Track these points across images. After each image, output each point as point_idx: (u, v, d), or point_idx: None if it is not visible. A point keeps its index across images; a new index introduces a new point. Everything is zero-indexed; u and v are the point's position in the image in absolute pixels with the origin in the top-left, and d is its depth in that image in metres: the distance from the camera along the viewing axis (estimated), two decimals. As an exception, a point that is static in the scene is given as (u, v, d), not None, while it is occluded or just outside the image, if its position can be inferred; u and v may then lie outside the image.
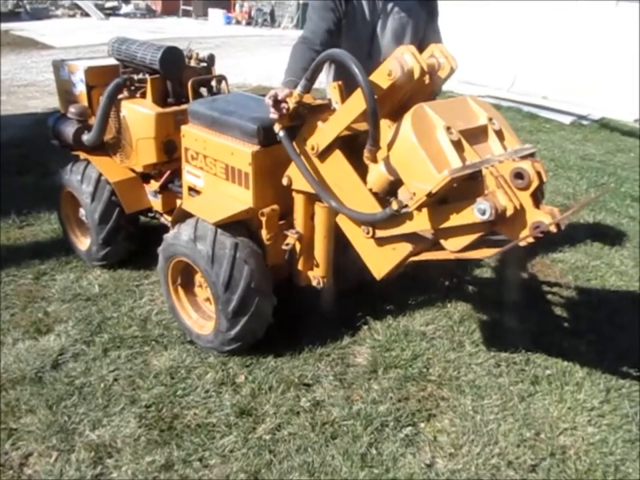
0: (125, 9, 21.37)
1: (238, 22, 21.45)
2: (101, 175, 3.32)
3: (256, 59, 12.59)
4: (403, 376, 2.78)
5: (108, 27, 16.94)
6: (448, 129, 1.96)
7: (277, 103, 2.36)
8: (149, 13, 21.60)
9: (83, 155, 3.43)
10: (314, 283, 2.84)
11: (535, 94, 9.62)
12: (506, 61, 9.92)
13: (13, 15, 17.75)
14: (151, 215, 3.54)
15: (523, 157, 2.06)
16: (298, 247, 2.77)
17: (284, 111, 2.36)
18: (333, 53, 2.18)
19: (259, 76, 10.22)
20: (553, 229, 1.85)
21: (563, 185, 5.58)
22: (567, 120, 8.46)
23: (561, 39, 9.30)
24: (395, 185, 2.11)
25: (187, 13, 22.28)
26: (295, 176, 2.58)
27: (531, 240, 1.89)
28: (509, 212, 1.88)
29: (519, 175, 1.86)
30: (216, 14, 21.33)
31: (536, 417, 2.59)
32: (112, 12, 20.65)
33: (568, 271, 3.92)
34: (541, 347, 3.03)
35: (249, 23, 21.30)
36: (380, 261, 2.41)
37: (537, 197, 1.91)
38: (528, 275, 3.86)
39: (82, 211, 3.49)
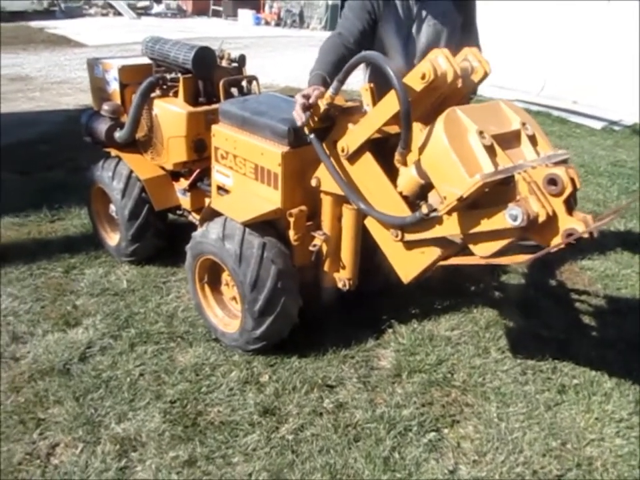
0: (157, 8, 21.61)
1: (267, 22, 21.55)
2: (131, 172, 3.37)
3: (284, 60, 12.63)
4: (427, 381, 2.76)
5: (139, 26, 17.15)
6: (480, 133, 1.94)
7: (305, 107, 2.36)
8: (180, 12, 21.81)
9: (114, 152, 3.48)
10: (340, 285, 2.84)
11: (565, 98, 9.49)
12: (536, 64, 9.80)
13: (48, 14, 18.06)
14: (179, 212, 3.57)
15: (556, 163, 2.03)
16: (325, 248, 2.77)
17: (308, 118, 2.37)
18: (367, 55, 2.18)
19: (287, 77, 10.25)
20: (586, 236, 1.83)
21: (593, 192, 5.49)
22: (597, 125, 8.34)
23: (591, 41, 9.15)
24: (425, 189, 2.10)
25: (216, 13, 22.45)
26: (323, 177, 2.59)
27: (562, 246, 1.86)
28: (541, 218, 1.86)
29: (552, 181, 1.84)
30: (245, 14, 21.45)
31: (562, 426, 2.56)
32: (144, 11, 20.91)
33: (597, 278, 3.86)
34: (568, 355, 2.99)
35: (277, 24, 21.38)
36: (408, 264, 2.40)
37: (570, 204, 1.89)
38: (556, 282, 3.81)
39: (112, 207, 3.54)
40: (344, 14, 2.75)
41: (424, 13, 2.72)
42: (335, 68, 2.46)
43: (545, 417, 2.60)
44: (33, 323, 3.02)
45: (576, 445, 2.47)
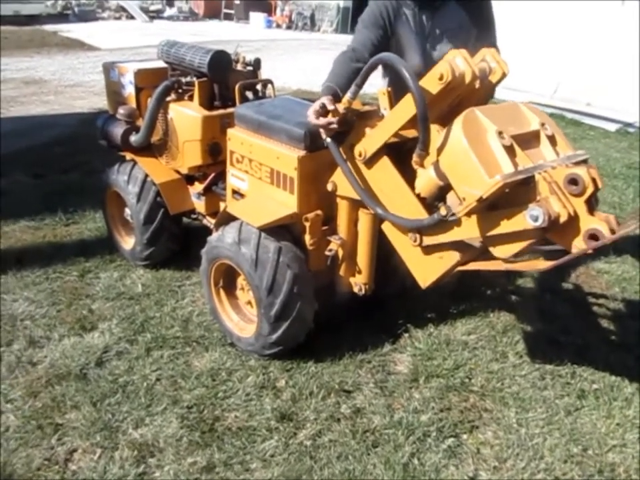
0: (169, 11, 21.68)
1: (278, 25, 21.56)
2: (147, 175, 3.37)
3: (296, 63, 12.63)
4: (444, 386, 2.74)
5: (152, 29, 17.23)
6: (500, 133, 1.92)
7: (324, 114, 2.36)
8: (192, 15, 21.87)
9: (129, 156, 3.48)
10: (356, 290, 2.83)
11: (578, 100, 9.42)
12: (549, 66, 9.73)
13: (62, 17, 18.19)
14: (193, 216, 3.57)
15: (576, 163, 2.01)
16: (341, 252, 2.76)
17: (330, 126, 2.37)
18: (384, 57, 2.16)
19: (299, 80, 10.25)
20: (610, 236, 1.80)
21: (608, 195, 5.43)
22: (612, 127, 8.27)
23: (605, 43, 9.07)
24: (444, 191, 2.08)
25: (228, 16, 22.51)
26: (340, 182, 2.57)
27: (589, 252, 1.84)
28: (563, 219, 1.84)
29: (573, 180, 1.82)
30: (257, 17, 21.48)
31: (583, 432, 2.52)
32: (156, 15, 20.98)
33: (614, 282, 3.82)
34: (587, 360, 2.96)
35: (289, 27, 21.38)
36: (426, 269, 2.37)
37: (592, 204, 1.87)
38: (572, 286, 3.77)
39: (127, 211, 3.55)
40: (357, 29, 2.75)
41: (437, 30, 2.71)
42: (347, 81, 2.45)
43: (565, 422, 2.57)
44: (50, 327, 3.03)
45: (597, 450, 2.43)
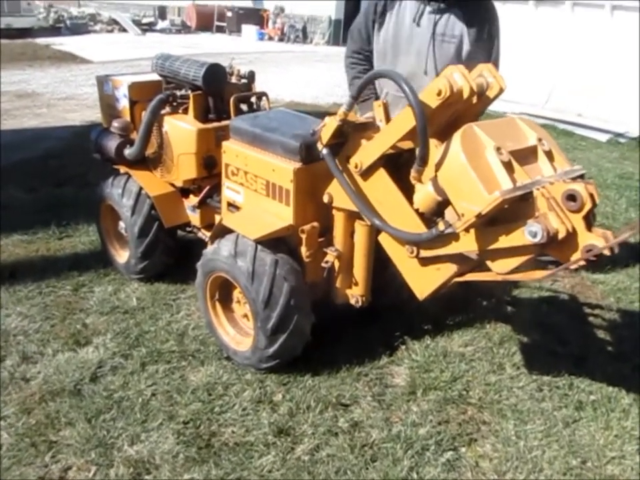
0: (161, 24, 21.79)
1: (270, 38, 21.69)
2: (141, 189, 3.35)
3: (288, 75, 12.69)
4: (442, 398, 2.73)
5: (144, 42, 17.30)
6: (498, 149, 1.92)
7: None
8: (184, 28, 21.97)
9: (123, 169, 3.47)
10: (352, 302, 2.81)
11: (569, 111, 9.49)
12: (540, 77, 9.81)
13: (54, 30, 18.23)
14: (188, 229, 3.55)
15: (573, 178, 2.01)
16: (337, 264, 2.75)
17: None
18: (382, 71, 2.17)
19: (292, 92, 10.28)
20: (607, 252, 1.80)
21: (601, 205, 5.45)
22: (603, 138, 8.33)
23: (595, 53, 9.16)
24: (442, 205, 2.08)
25: (220, 29, 22.62)
26: (336, 193, 2.57)
27: (582, 263, 1.84)
28: (561, 235, 1.83)
29: (571, 196, 1.82)
30: (249, 30, 21.62)
31: (582, 444, 2.51)
32: (148, 27, 21.09)
33: (609, 292, 3.83)
34: (584, 371, 2.95)
35: (281, 39, 21.52)
36: (423, 281, 2.37)
37: (589, 220, 1.87)
38: (568, 297, 3.77)
39: (121, 224, 3.53)
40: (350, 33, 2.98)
41: (440, 32, 2.77)
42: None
43: (564, 434, 2.56)
44: (43, 342, 2.99)
45: (596, 463, 2.42)
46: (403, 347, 3.07)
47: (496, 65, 2.65)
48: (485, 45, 2.81)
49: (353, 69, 3.06)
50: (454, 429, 2.56)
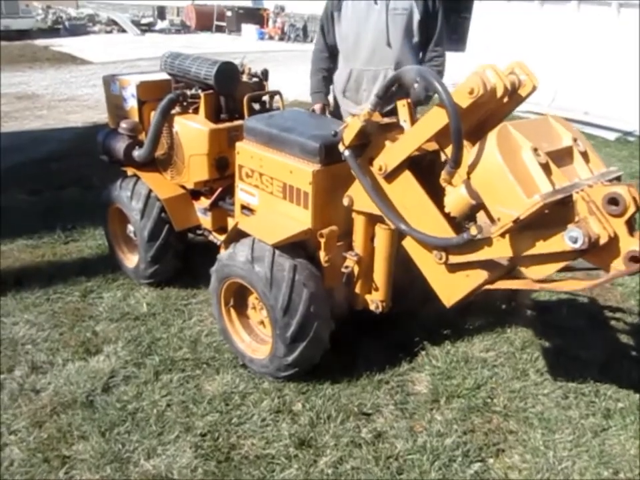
0: (161, 24, 21.69)
1: (271, 37, 21.59)
2: (150, 191, 3.26)
3: (290, 74, 12.57)
4: (466, 406, 2.64)
5: (144, 42, 17.20)
6: (535, 150, 1.83)
7: None
8: (184, 28, 21.86)
9: (132, 171, 3.38)
10: (372, 307, 2.73)
11: (576, 109, 9.39)
12: (546, 75, 9.70)
13: (53, 32, 18.15)
14: (199, 232, 3.46)
15: (610, 180, 1.93)
16: (357, 269, 2.66)
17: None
18: (415, 69, 2.06)
19: (295, 90, 10.18)
20: None
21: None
22: (611, 136, 8.23)
23: (602, 52, 9.08)
24: (475, 209, 1.99)
25: (220, 29, 22.51)
26: (356, 196, 2.48)
27: (635, 272, 1.75)
28: (603, 240, 1.75)
29: (613, 200, 1.73)
30: (249, 29, 21.51)
31: (612, 454, 2.43)
32: (148, 28, 20.98)
33: (629, 295, 3.74)
34: (609, 376, 2.87)
35: (281, 39, 21.41)
36: (451, 288, 2.28)
37: (632, 224, 1.78)
38: (588, 299, 3.69)
39: (130, 228, 3.44)
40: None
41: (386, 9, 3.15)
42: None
43: (593, 443, 2.47)
44: (52, 351, 2.90)
45: (629, 474, 2.34)
46: (423, 353, 2.98)
47: (441, 37, 3.22)
48: (431, 17, 3.19)
49: (315, 63, 3.60)
50: (480, 439, 2.47)
